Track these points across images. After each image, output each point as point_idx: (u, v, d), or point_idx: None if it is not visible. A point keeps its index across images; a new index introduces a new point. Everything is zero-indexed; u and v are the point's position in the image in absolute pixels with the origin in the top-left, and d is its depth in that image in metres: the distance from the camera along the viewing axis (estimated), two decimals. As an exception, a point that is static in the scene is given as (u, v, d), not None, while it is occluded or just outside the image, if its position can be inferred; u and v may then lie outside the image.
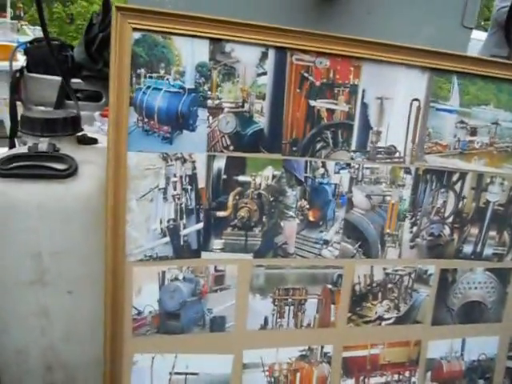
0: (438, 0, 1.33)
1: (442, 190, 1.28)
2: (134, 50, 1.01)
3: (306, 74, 1.12)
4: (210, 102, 1.08)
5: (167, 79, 1.05)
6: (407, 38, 1.27)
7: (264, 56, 1.09)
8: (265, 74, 1.10)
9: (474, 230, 1.34)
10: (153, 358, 1.18)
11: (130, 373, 1.17)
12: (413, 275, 1.32)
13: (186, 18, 1.02)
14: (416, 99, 1.20)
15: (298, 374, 1.29)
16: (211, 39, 1.05)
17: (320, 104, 1.14)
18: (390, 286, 1.31)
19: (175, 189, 1.11)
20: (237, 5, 1.23)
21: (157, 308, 1.16)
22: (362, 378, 1.34)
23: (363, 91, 1.16)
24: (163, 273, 1.15)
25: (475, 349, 1.44)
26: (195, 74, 1.06)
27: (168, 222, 1.12)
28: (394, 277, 1.31)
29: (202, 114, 1.08)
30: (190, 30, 1.03)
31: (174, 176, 1.10)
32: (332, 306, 1.27)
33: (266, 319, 1.24)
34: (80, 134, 1.27)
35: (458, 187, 1.29)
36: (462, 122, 1.26)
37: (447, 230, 1.31)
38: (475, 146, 1.28)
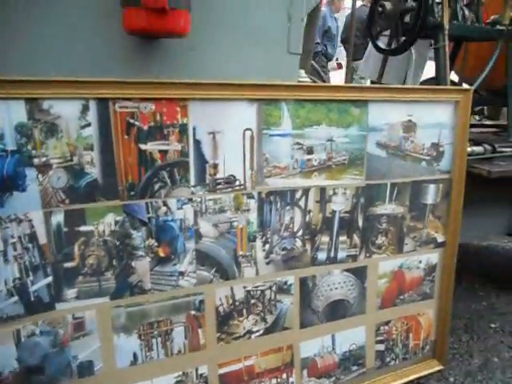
0: (262, 30, 1.39)
1: (288, 208, 1.37)
2: None
3: (131, 120, 1.15)
4: (36, 160, 1.09)
5: (-15, 144, 1.04)
6: (236, 69, 1.33)
7: (85, 108, 1.10)
8: (89, 125, 1.11)
9: (325, 238, 1.45)
10: (22, 414, 1.20)
11: (0, 433, 1.18)
12: (274, 288, 1.42)
13: (-6, 81, 1.01)
14: (248, 129, 1.27)
15: (178, 399, 1.35)
16: (27, 99, 1.05)
17: (151, 147, 1.18)
18: (253, 301, 1.40)
19: (15, 249, 1.12)
20: (59, 63, 1.22)
21: (17, 366, 1.16)
22: (240, 389, 1.43)
23: (194, 128, 1.21)
24: (18, 331, 1.15)
25: (345, 341, 1.58)
26: (15, 135, 1.06)
27: (14, 281, 1.13)
28: (255, 293, 1.39)
29: (30, 173, 1.09)
30: (1, 93, 1.02)
31: (12, 237, 1.11)
32: (199, 329, 1.34)
33: (134, 355, 1.28)
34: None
35: (302, 203, 1.39)
36: (297, 143, 1.35)
37: (299, 243, 1.42)
38: (313, 163, 1.38)
